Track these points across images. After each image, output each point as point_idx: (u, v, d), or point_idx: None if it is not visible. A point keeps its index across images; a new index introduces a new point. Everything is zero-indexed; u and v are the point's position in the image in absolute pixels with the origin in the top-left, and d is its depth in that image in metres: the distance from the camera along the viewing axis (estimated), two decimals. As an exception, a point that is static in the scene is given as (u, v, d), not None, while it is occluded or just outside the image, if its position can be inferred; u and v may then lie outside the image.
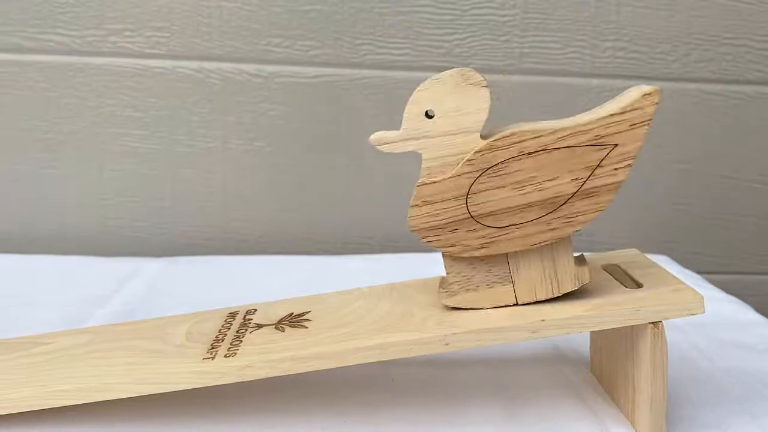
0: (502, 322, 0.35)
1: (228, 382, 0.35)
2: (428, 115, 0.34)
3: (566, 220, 0.34)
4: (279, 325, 0.39)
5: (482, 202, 0.34)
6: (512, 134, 0.33)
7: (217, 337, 0.38)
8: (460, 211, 0.34)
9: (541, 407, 0.39)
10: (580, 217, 0.35)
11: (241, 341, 0.37)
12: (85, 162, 0.68)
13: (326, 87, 0.68)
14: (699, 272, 0.68)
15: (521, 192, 0.34)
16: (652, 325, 0.34)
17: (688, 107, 0.70)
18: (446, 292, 0.36)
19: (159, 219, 0.69)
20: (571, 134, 0.33)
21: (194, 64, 0.67)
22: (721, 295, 0.58)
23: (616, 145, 0.34)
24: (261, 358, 0.35)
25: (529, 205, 0.34)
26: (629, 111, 0.33)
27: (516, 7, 0.68)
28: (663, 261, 0.63)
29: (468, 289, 0.36)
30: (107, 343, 0.40)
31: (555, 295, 0.36)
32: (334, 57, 0.67)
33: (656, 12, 0.68)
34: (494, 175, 0.34)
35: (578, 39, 0.69)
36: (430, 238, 0.35)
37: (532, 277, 0.36)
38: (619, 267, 0.40)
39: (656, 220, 0.73)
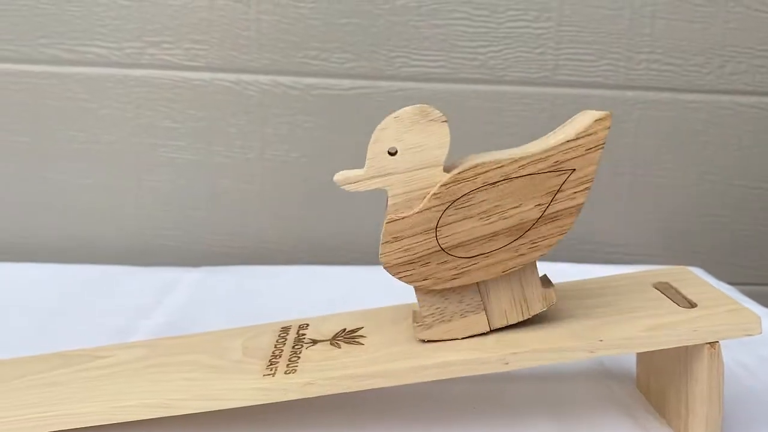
0: (561, 342, 0.35)
1: (290, 399, 0.35)
2: (391, 153, 0.35)
3: (532, 245, 0.36)
4: (334, 341, 0.39)
5: (451, 234, 0.35)
6: (475, 166, 0.34)
7: (273, 352, 0.39)
8: (431, 244, 0.35)
9: (593, 424, 0.40)
10: (545, 241, 0.36)
11: (299, 357, 0.38)
12: (123, 172, 0.68)
13: (361, 99, 0.68)
14: (731, 284, 0.68)
15: (488, 221, 0.35)
16: (708, 345, 0.35)
17: (721, 119, 0.70)
18: (421, 326, 0.37)
19: (195, 229, 0.70)
20: (530, 162, 0.35)
21: (232, 77, 0.67)
22: (760, 309, 0.58)
23: (573, 170, 0.35)
24: (322, 375, 0.35)
25: (495, 234, 0.35)
26: (583, 137, 0.35)
27: (551, 20, 0.68)
28: (697, 273, 0.64)
29: (442, 321, 0.37)
30: (164, 358, 0.40)
31: (525, 318, 0.37)
32: (370, 69, 0.68)
33: (690, 24, 0.69)
34: (461, 206, 0.35)
35: (612, 51, 0.69)
36: (403, 274, 0.36)
37: (502, 302, 0.37)
38: (670, 285, 0.40)
39: (687, 232, 0.73)
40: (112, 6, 0.66)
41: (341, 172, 0.35)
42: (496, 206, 0.35)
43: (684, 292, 0.39)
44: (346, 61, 0.68)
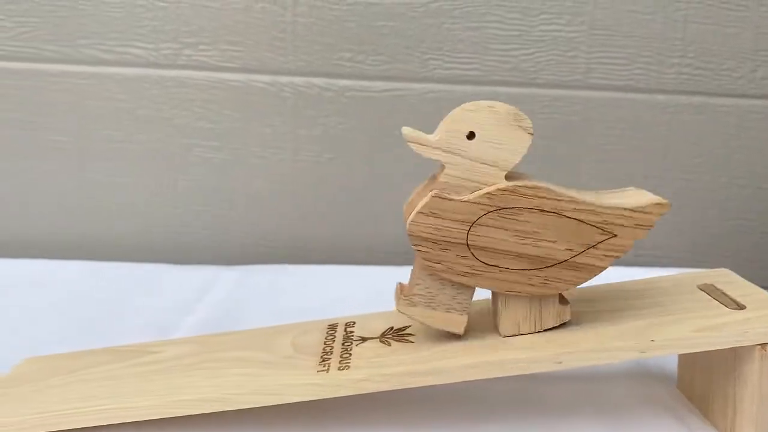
0: (613, 342, 0.36)
1: (344, 395, 0.36)
2: (468, 136, 0.35)
3: (545, 281, 0.36)
4: (384, 338, 0.40)
5: (483, 236, 0.35)
6: (537, 188, 0.35)
7: (324, 349, 0.40)
8: (461, 236, 0.35)
9: (638, 423, 0.40)
10: (558, 283, 0.36)
11: (351, 354, 0.38)
12: (159, 172, 0.69)
13: (395, 101, 0.69)
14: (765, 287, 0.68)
15: (520, 241, 0.35)
16: (759, 346, 0.35)
17: (752, 123, 0.71)
18: (407, 300, 0.37)
19: (230, 228, 0.71)
20: (586, 210, 0.35)
21: (267, 78, 0.68)
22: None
23: (615, 235, 0.36)
24: (376, 372, 0.36)
25: (520, 255, 0.36)
26: (639, 212, 0.36)
27: (583, 23, 0.69)
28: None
29: (427, 306, 0.37)
30: (215, 354, 0.41)
31: (537, 330, 0.38)
32: (404, 71, 0.69)
33: (723, 29, 0.69)
34: (505, 216, 0.35)
35: (644, 55, 0.69)
36: (422, 248, 0.36)
37: (518, 313, 0.37)
38: (715, 287, 0.41)
39: (716, 235, 0.73)
40: (150, 7, 0.67)
41: (411, 129, 0.35)
42: (535, 232, 0.35)
43: (730, 293, 0.39)
44: (380, 63, 0.69)
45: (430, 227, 0.35)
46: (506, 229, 0.35)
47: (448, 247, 0.35)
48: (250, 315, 0.54)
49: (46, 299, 0.57)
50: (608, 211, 0.35)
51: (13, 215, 0.69)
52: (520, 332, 0.38)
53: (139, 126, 0.68)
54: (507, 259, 0.36)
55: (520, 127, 0.35)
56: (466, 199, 0.35)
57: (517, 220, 0.35)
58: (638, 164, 0.71)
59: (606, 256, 0.36)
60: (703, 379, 0.41)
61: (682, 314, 0.37)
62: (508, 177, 0.36)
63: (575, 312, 0.39)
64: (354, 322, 0.43)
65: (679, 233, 0.72)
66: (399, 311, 0.37)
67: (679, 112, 0.70)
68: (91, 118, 0.68)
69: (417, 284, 0.37)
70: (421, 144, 0.35)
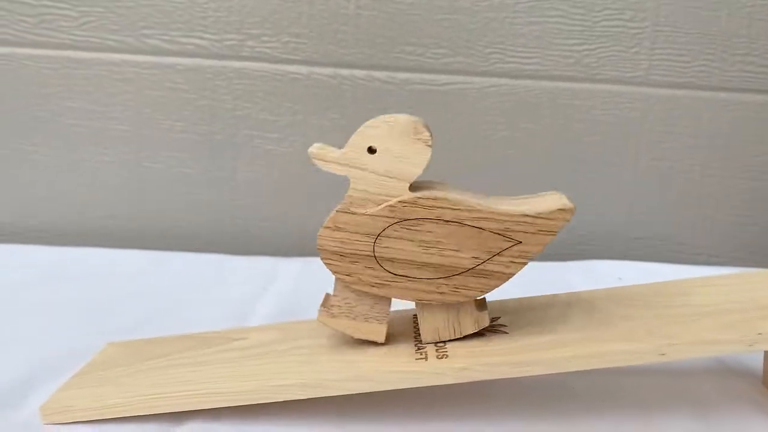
0: (718, 334, 0.35)
1: (445, 383, 0.36)
2: (371, 150, 0.36)
3: (454, 290, 0.37)
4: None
5: (388, 247, 0.36)
6: (436, 198, 0.35)
7: (415, 337, 0.39)
8: (367, 248, 0.36)
9: (729, 419, 0.40)
10: (466, 291, 0.37)
11: (445, 343, 0.38)
12: (218, 162, 0.69)
13: (455, 94, 0.69)
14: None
15: (425, 251, 0.36)
16: None
17: (815, 122, 0.70)
18: (327, 311, 0.38)
19: (290, 220, 0.71)
20: (485, 218, 0.36)
21: (329, 71, 0.68)
22: None
23: (520, 242, 0.36)
24: (477, 361, 0.36)
25: (426, 265, 0.36)
26: (542, 218, 0.36)
27: (646, 20, 0.68)
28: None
29: (347, 316, 0.38)
30: (302, 340, 0.41)
31: (456, 337, 0.38)
32: (465, 65, 0.69)
33: (788, 27, 0.68)
34: (408, 227, 0.36)
35: (707, 52, 0.69)
36: (330, 262, 0.37)
37: (437, 320, 0.38)
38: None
39: (759, 234, 0.73)
40: (214, -2, 0.67)
41: (319, 145, 0.37)
42: (438, 241, 0.36)
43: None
44: (441, 57, 0.68)
45: (337, 241, 0.36)
46: (410, 240, 0.36)
47: (356, 260, 0.36)
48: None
49: (112, 288, 0.57)
50: (509, 219, 0.36)
51: (72, 204, 0.70)
52: (441, 339, 0.38)
53: (200, 117, 0.69)
54: (414, 269, 0.36)
55: (419, 139, 0.35)
56: (369, 212, 0.36)
57: (419, 231, 0.36)
58: (697, 162, 0.71)
59: (513, 262, 0.36)
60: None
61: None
62: (415, 188, 0.36)
63: (667, 305, 0.39)
64: (439, 312, 0.43)
65: (741, 232, 0.72)
66: (320, 322, 0.38)
67: (740, 110, 0.70)
68: (153, 108, 0.68)
69: (336, 295, 0.38)
70: (324, 160, 0.36)
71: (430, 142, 0.36)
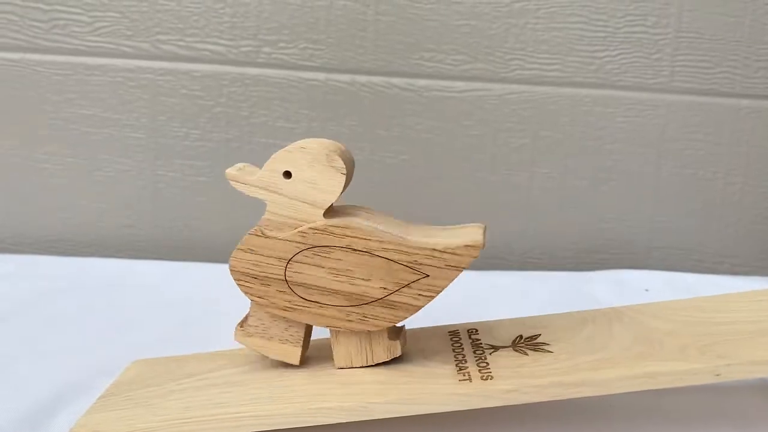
0: (774, 355, 0.34)
1: (491, 406, 0.35)
2: (287, 175, 0.36)
3: (363, 318, 0.37)
4: (518, 347, 0.39)
5: (299, 272, 0.36)
6: (347, 227, 0.36)
7: (456, 356, 0.38)
8: (278, 272, 0.37)
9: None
10: (375, 321, 0.37)
11: (487, 363, 0.37)
12: (233, 171, 0.68)
13: (475, 101, 0.68)
14: None
15: (335, 278, 0.36)
16: None
17: (838, 130, 0.69)
18: (243, 330, 0.39)
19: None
20: (395, 249, 0.36)
21: (346, 77, 0.67)
22: None
23: (427, 275, 0.36)
24: (524, 382, 0.35)
25: (336, 292, 0.36)
26: (449, 253, 0.36)
27: (669, 26, 0.67)
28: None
29: (262, 337, 0.39)
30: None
31: (369, 364, 0.38)
32: (485, 72, 0.67)
33: (811, 33, 0.67)
34: (318, 254, 0.36)
35: (730, 58, 0.68)
36: (243, 283, 0.37)
37: (350, 345, 0.38)
38: None
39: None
40: (230, 3, 0.65)
41: (239, 166, 0.37)
42: (348, 270, 0.36)
43: None
44: (461, 63, 0.67)
45: (250, 263, 0.37)
46: (321, 267, 0.36)
47: (268, 283, 0.37)
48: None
49: (132, 300, 0.56)
50: (418, 252, 0.36)
51: (87, 213, 0.68)
52: (353, 365, 0.38)
53: (216, 124, 0.67)
54: (324, 295, 0.37)
55: (332, 167, 0.36)
56: (280, 237, 0.36)
57: (329, 258, 0.36)
58: (720, 170, 0.70)
59: (420, 295, 0.36)
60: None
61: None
62: (334, 213, 0.37)
63: (711, 321, 0.38)
64: (476, 330, 0.42)
65: (764, 240, 0.71)
66: (236, 341, 0.39)
67: (764, 117, 0.69)
68: (168, 115, 0.67)
69: (251, 315, 0.39)
70: (240, 182, 0.37)
71: (343, 170, 0.36)
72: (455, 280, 0.36)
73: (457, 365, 0.37)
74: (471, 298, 0.59)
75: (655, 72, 0.68)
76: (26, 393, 0.41)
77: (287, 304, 0.37)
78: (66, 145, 0.67)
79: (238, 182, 0.37)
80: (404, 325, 0.40)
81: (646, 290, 0.60)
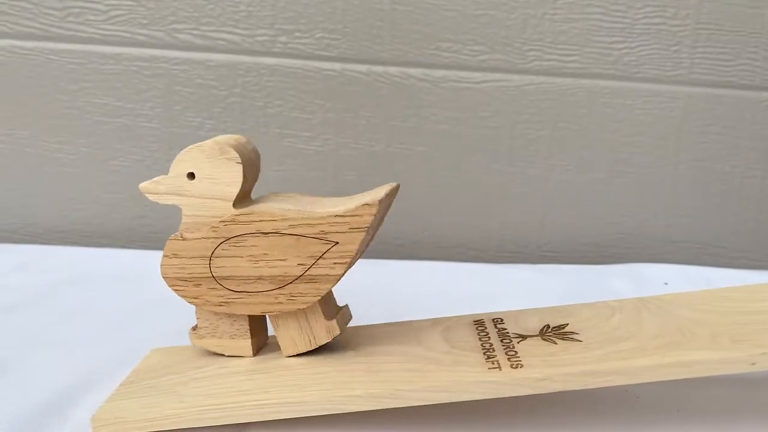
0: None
1: (521, 395, 0.34)
2: (191, 176, 0.37)
3: (290, 298, 0.38)
4: (546, 336, 0.38)
5: (222, 266, 0.37)
6: (252, 212, 0.37)
7: (483, 345, 0.38)
8: (204, 270, 0.37)
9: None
10: (302, 298, 0.38)
11: (516, 352, 0.37)
12: (248, 161, 0.68)
13: (492, 92, 0.67)
14: None
15: (255, 265, 0.37)
16: None
17: None
18: (196, 333, 0.40)
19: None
20: (300, 224, 0.36)
21: (363, 68, 0.67)
22: None
23: (336, 242, 0.36)
24: (555, 371, 0.34)
25: (260, 278, 0.37)
26: (349, 216, 0.36)
27: (688, 17, 0.67)
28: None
29: (214, 336, 0.40)
30: (370, 347, 0.39)
31: (313, 347, 0.39)
32: (502, 62, 0.67)
33: (832, 25, 0.67)
34: (234, 245, 0.37)
35: (750, 51, 0.67)
36: (177, 288, 0.38)
37: (291, 331, 0.39)
38: None
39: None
40: (246, -8, 0.65)
41: (149, 181, 0.38)
42: (264, 254, 0.37)
43: None
44: (478, 54, 0.67)
45: (177, 267, 0.38)
46: (240, 257, 0.37)
47: (199, 283, 0.38)
48: (367, 309, 0.52)
49: (146, 290, 0.55)
50: (322, 221, 0.36)
51: (100, 203, 0.68)
52: (299, 350, 0.39)
53: (230, 114, 0.67)
54: (250, 283, 0.37)
55: (227, 159, 0.37)
56: (196, 236, 0.37)
57: (245, 246, 0.37)
58: (739, 163, 0.69)
59: (336, 263, 0.37)
60: None
61: None
62: (246, 204, 0.38)
63: (740, 311, 0.37)
64: (501, 319, 0.41)
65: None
66: (192, 344, 0.40)
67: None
68: (182, 105, 0.66)
69: (199, 318, 0.40)
70: (153, 194, 0.38)
71: (238, 160, 0.37)
72: (362, 241, 0.36)
73: (485, 353, 0.37)
74: (488, 291, 0.59)
75: (674, 64, 0.68)
76: (45, 382, 0.41)
77: (221, 300, 0.38)
78: (80, 135, 0.67)
79: (151, 194, 0.38)
80: (346, 305, 0.41)
81: (666, 284, 0.60)
